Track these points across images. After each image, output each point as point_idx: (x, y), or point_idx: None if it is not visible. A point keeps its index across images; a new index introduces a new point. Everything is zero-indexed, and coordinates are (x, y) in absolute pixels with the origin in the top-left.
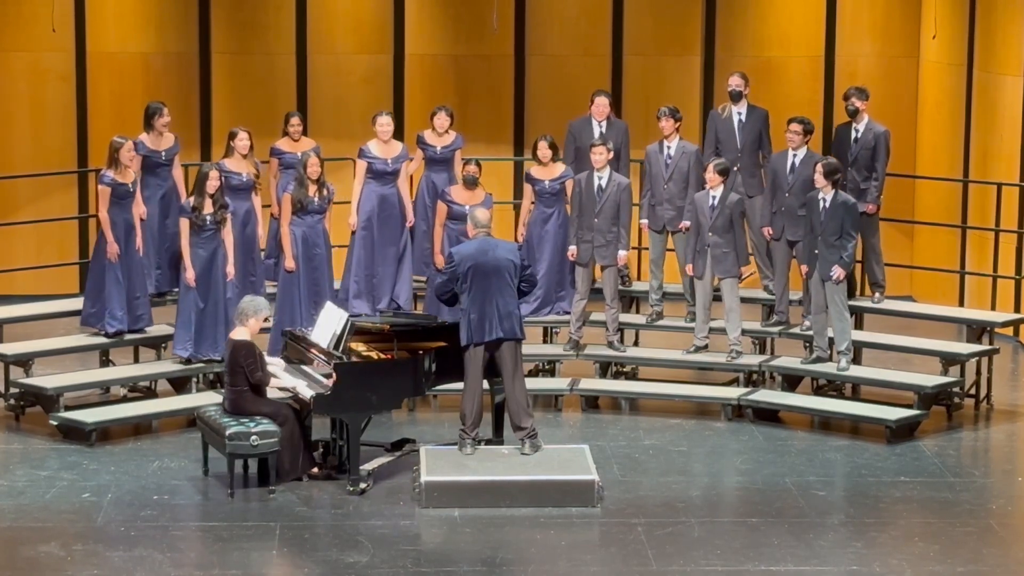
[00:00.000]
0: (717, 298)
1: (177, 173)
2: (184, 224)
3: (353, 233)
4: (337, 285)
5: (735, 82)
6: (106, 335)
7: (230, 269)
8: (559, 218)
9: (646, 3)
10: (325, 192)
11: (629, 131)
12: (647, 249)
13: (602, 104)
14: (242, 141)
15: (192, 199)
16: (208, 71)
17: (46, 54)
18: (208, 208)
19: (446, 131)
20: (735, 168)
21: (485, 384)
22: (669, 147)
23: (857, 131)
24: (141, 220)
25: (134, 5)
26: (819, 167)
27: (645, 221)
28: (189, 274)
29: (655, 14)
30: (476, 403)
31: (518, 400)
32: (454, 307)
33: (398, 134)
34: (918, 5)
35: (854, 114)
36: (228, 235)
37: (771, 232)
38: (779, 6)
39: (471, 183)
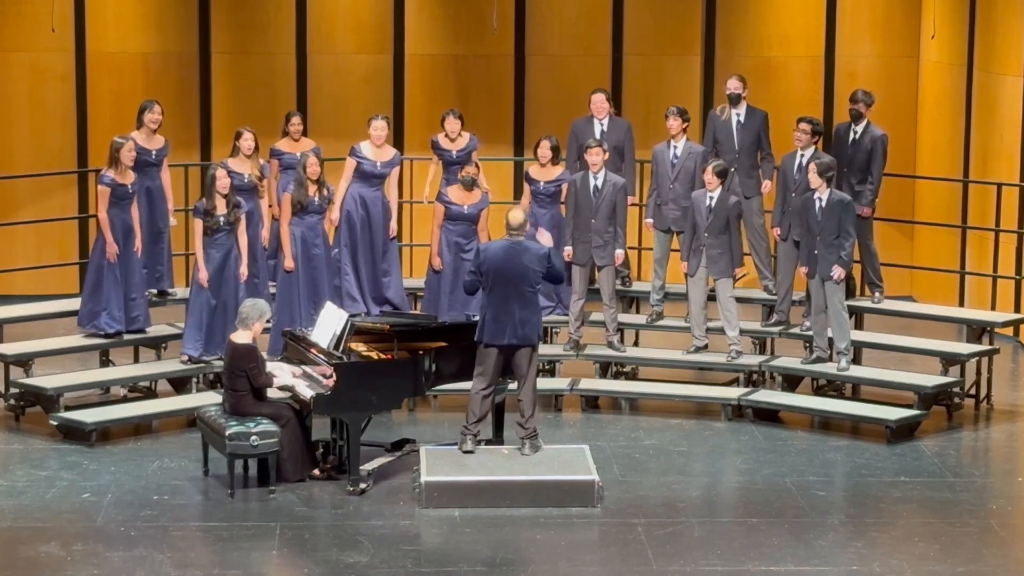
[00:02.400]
0: (712, 298)
1: (165, 176)
2: (198, 225)
3: (336, 229)
4: None
5: (733, 85)
6: (105, 335)
7: (243, 270)
8: (553, 219)
9: (646, 3)
10: (325, 192)
11: (632, 129)
12: (649, 249)
13: (598, 101)
14: (247, 142)
15: (204, 201)
16: (208, 71)
17: (46, 54)
18: (222, 209)
19: (458, 134)
20: (732, 169)
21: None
22: (676, 147)
23: (856, 133)
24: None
25: (134, 5)
26: (812, 166)
27: (650, 220)
28: (202, 275)
29: (655, 14)
30: (481, 401)
31: (526, 401)
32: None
33: (399, 133)
34: (918, 5)
35: (857, 117)
36: (243, 235)
37: (780, 232)
38: (779, 6)
39: (469, 184)
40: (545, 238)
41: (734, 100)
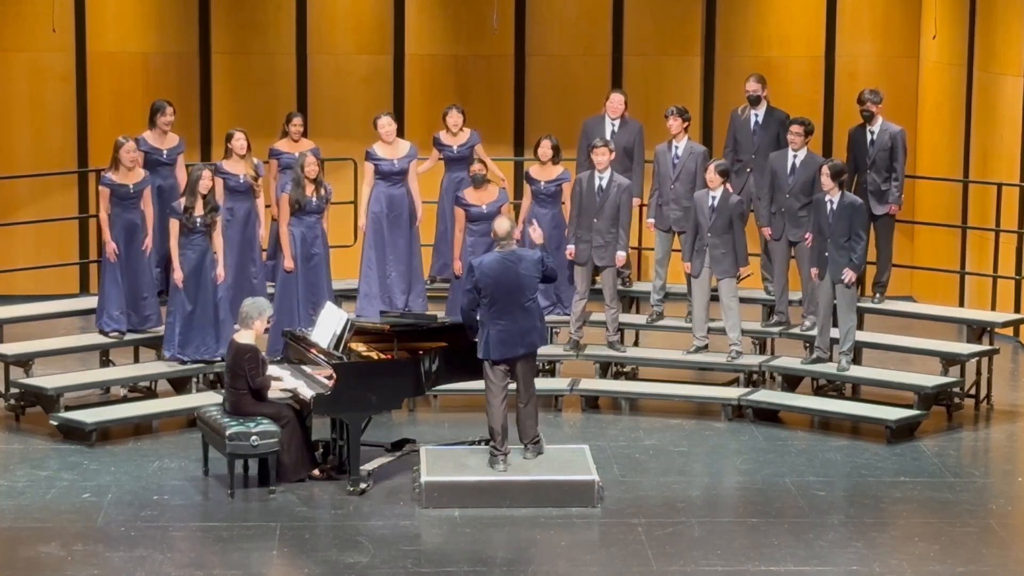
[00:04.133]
0: (715, 298)
1: (181, 174)
2: (174, 225)
3: (364, 234)
4: (353, 285)
5: (751, 87)
6: (102, 334)
7: (220, 271)
8: (554, 219)
9: (646, 3)
10: (323, 192)
11: (644, 131)
12: (649, 249)
13: (616, 101)
14: (238, 142)
15: (184, 200)
16: (208, 71)
17: (46, 54)
18: (199, 210)
19: (460, 129)
20: (748, 170)
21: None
22: (677, 147)
23: (872, 133)
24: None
25: (134, 5)
26: (825, 169)
27: (652, 220)
28: (177, 275)
29: (655, 14)
30: (502, 419)
31: (529, 413)
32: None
33: (399, 134)
34: (918, 5)
35: (869, 118)
36: (218, 237)
37: (771, 233)
38: (779, 6)
39: (479, 182)
40: (536, 234)
41: (753, 101)
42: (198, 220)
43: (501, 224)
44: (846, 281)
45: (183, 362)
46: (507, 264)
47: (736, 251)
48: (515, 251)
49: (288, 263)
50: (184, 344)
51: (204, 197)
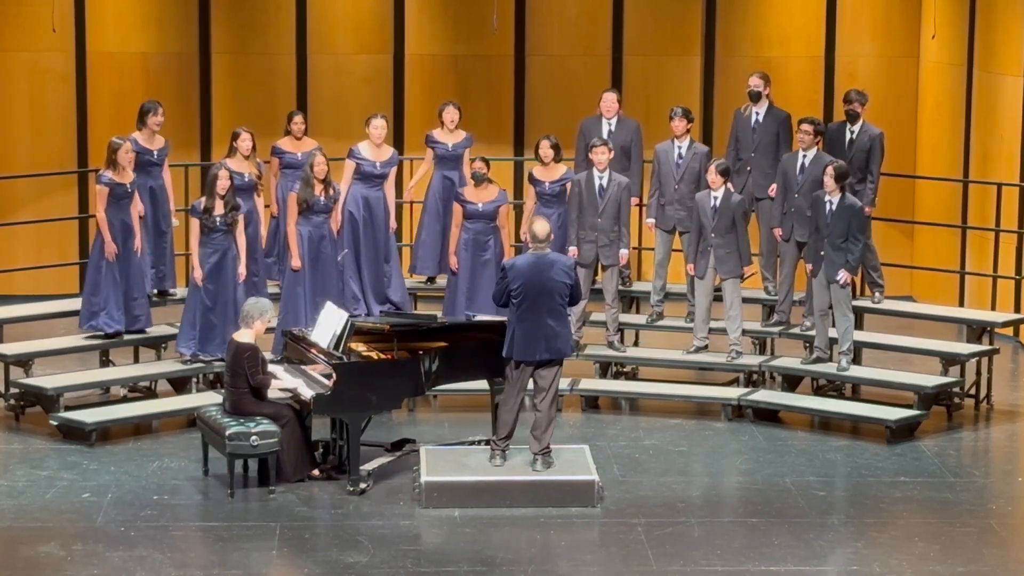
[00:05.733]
0: (717, 298)
1: (167, 175)
2: (194, 224)
3: (339, 231)
4: None
5: (753, 82)
6: (104, 336)
7: (242, 270)
8: (560, 219)
9: (646, 3)
10: (331, 192)
11: (641, 129)
12: (649, 249)
13: (609, 100)
14: (245, 142)
15: (203, 200)
16: (208, 71)
17: (46, 54)
18: (219, 209)
19: (456, 127)
20: (748, 168)
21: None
22: (680, 147)
23: (852, 132)
24: (140, 218)
25: (134, 5)
26: (830, 170)
27: (651, 221)
28: (197, 273)
29: (655, 14)
30: (513, 416)
31: (544, 417)
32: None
33: (398, 133)
34: (918, 5)
35: (853, 118)
36: (240, 236)
37: (780, 233)
38: (779, 6)
39: (479, 179)
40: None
41: (754, 97)
42: (218, 219)
43: (541, 226)
44: (841, 282)
45: (204, 361)
46: (538, 266)
47: (740, 251)
48: (549, 255)
49: (295, 262)
50: (204, 342)
51: (223, 197)
